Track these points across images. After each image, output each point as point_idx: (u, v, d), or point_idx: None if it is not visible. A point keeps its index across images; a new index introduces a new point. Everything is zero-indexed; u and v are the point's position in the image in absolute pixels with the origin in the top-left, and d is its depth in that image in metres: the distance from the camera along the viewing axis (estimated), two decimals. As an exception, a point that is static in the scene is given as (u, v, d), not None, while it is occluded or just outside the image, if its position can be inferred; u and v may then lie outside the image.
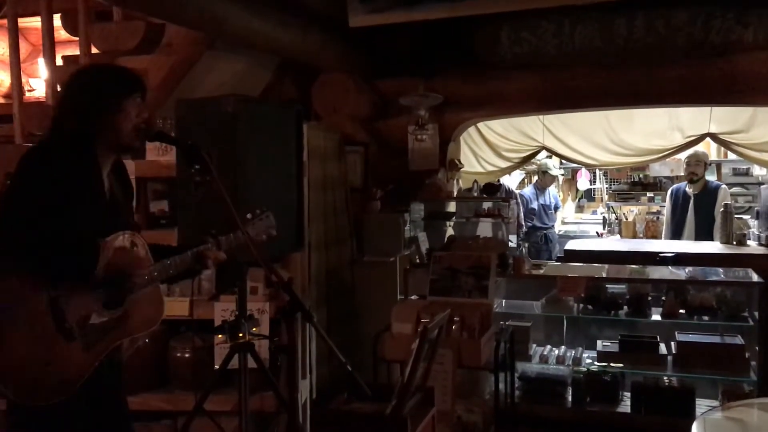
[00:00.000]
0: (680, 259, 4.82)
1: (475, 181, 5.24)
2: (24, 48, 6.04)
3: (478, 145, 6.02)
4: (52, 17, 4.37)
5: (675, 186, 6.30)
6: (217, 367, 3.47)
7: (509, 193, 6.28)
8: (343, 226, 4.89)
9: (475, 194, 5.08)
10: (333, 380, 4.31)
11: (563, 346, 4.57)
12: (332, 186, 4.77)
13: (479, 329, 3.67)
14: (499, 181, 5.81)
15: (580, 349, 4.53)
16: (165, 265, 2.32)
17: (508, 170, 6.48)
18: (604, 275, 4.43)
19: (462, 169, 5.60)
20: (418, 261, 4.73)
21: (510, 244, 4.71)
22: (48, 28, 4.29)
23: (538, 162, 7.33)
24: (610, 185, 8.75)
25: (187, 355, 3.97)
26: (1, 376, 2.05)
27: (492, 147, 6.08)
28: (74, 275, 2.12)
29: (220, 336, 2.83)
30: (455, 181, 5.45)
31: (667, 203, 6.18)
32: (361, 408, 2.62)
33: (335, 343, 2.63)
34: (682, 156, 5.96)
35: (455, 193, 5.32)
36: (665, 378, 4.21)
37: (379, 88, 5.28)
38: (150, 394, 3.94)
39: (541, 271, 4.54)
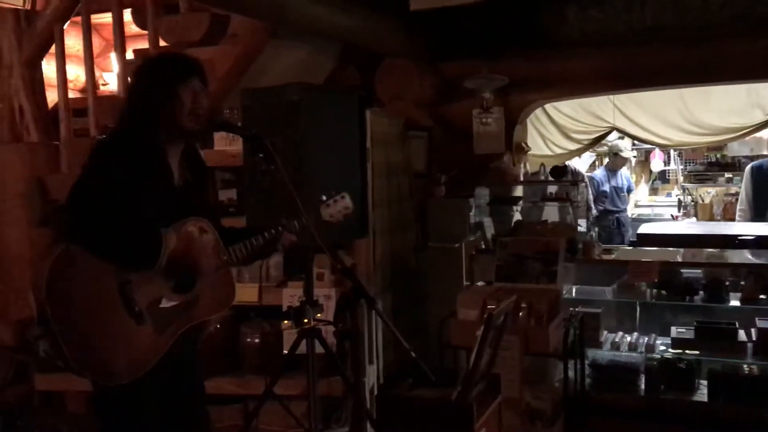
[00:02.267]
0: (762, 242, 4.60)
1: (542, 164, 5.13)
2: (97, 43, 6.23)
3: (545, 127, 5.89)
4: (123, 12, 4.50)
5: (756, 163, 6.00)
6: (285, 352, 3.52)
7: (576, 176, 6.12)
8: (407, 212, 4.87)
9: (542, 178, 4.97)
10: (400, 366, 4.31)
11: (635, 333, 4.44)
12: (396, 172, 4.75)
13: (547, 315, 3.60)
14: (565, 163, 5.67)
15: (654, 335, 4.39)
16: (238, 249, 2.38)
17: (578, 152, 6.33)
18: (678, 259, 4.27)
19: (529, 153, 5.49)
20: (483, 247, 4.67)
21: (579, 228, 4.59)
22: (118, 23, 4.42)
23: (610, 143, 7.14)
24: (686, 166, 8.44)
25: (256, 341, 4.06)
26: (77, 357, 2.13)
27: (560, 129, 5.95)
28: (138, 265, 2.19)
29: (286, 321, 2.87)
30: (522, 165, 5.34)
31: (747, 182, 5.89)
32: (427, 394, 2.60)
33: (400, 329, 2.62)
34: (764, 134, 5.68)
35: (522, 177, 5.23)
36: (745, 366, 4.03)
37: (443, 71, 5.21)
38: (221, 378, 4.04)
39: (612, 256, 4.41)
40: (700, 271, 4.24)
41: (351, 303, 2.30)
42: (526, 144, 5.38)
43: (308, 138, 3.56)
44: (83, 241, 2.14)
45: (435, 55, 5.17)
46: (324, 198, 2.65)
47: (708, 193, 7.54)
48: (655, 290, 4.25)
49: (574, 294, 4.63)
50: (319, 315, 2.60)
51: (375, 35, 4.44)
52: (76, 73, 5.83)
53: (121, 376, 2.20)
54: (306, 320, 2.52)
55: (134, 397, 2.27)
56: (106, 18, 5.14)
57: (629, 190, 7.42)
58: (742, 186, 6.12)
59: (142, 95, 2.33)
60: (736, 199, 7.01)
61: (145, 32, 4.59)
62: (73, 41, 5.37)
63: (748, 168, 6.02)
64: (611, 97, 5.67)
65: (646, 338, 4.37)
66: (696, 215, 7.10)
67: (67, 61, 4.68)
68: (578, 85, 5.08)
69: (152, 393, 2.30)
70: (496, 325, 2.53)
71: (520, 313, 3.58)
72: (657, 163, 8.63)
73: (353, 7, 4.10)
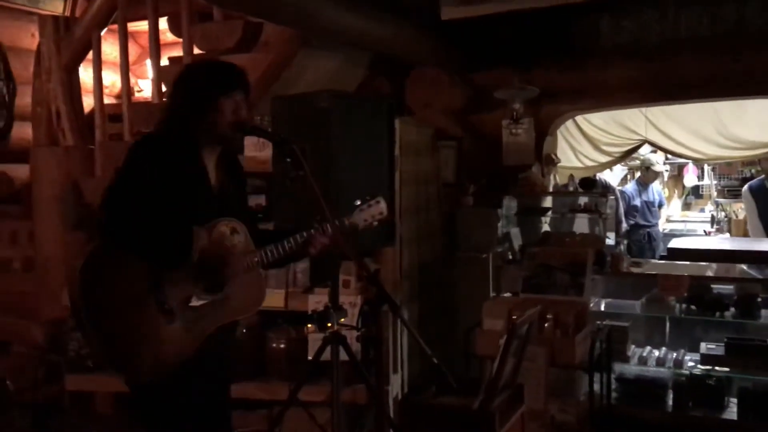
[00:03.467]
0: (796, 259, 4.51)
1: (571, 175, 5.10)
2: (134, 50, 6.36)
3: (576, 139, 5.86)
4: (158, 20, 4.58)
5: (754, 182, 5.90)
6: (310, 358, 3.53)
7: (606, 188, 6.07)
8: (435, 221, 4.87)
9: (571, 189, 4.94)
10: (426, 374, 4.31)
11: (664, 348, 4.37)
12: (425, 180, 4.76)
13: (574, 328, 3.57)
14: (595, 175, 5.63)
15: (682, 351, 4.32)
16: (269, 251, 2.39)
17: (608, 165, 6.27)
18: (709, 274, 4.20)
19: (559, 164, 5.46)
20: (510, 257, 4.65)
21: (607, 241, 4.55)
22: (154, 31, 4.50)
23: (642, 157, 7.07)
24: (719, 181, 8.31)
25: (282, 346, 4.07)
26: (106, 353, 2.19)
27: (591, 141, 5.90)
28: (169, 261, 2.22)
29: (309, 326, 2.88)
30: (551, 176, 5.32)
31: (749, 202, 5.80)
32: (450, 402, 2.60)
33: (427, 338, 2.60)
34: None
35: (551, 189, 5.20)
36: (777, 384, 3.96)
37: (475, 81, 5.22)
38: (247, 383, 4.06)
39: (641, 270, 4.35)
40: (731, 286, 4.17)
41: (374, 308, 2.29)
42: (556, 155, 5.35)
43: (337, 145, 3.58)
44: (117, 239, 2.19)
45: (466, 65, 5.17)
46: (358, 203, 2.63)
47: (742, 209, 7.40)
48: (684, 305, 4.19)
49: (603, 307, 4.59)
50: (342, 320, 2.61)
51: (406, 45, 4.46)
52: (112, 79, 5.95)
53: (147, 373, 2.23)
54: (329, 324, 2.53)
55: (167, 395, 2.30)
56: (142, 26, 5.25)
57: (660, 205, 7.33)
58: (745, 208, 6.01)
59: (184, 101, 2.36)
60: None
61: (181, 40, 4.67)
62: (111, 48, 5.49)
63: (745, 189, 5.93)
64: (643, 109, 5.61)
65: (675, 353, 4.31)
66: (729, 231, 6.98)
67: (103, 67, 4.79)
68: (611, 96, 5.04)
69: (183, 391, 2.31)
70: (519, 334, 2.52)
71: (546, 325, 3.56)
72: (690, 178, 8.50)
73: (385, 17, 4.12)
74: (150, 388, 2.27)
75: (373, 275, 2.38)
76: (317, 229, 2.44)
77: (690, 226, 7.93)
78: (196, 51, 4.51)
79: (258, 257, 2.36)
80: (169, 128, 2.38)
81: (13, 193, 5.20)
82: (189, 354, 2.26)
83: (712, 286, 4.20)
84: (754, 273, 4.25)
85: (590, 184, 4.69)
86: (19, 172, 5.07)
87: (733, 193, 7.62)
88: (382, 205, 2.62)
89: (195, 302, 2.27)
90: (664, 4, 4.51)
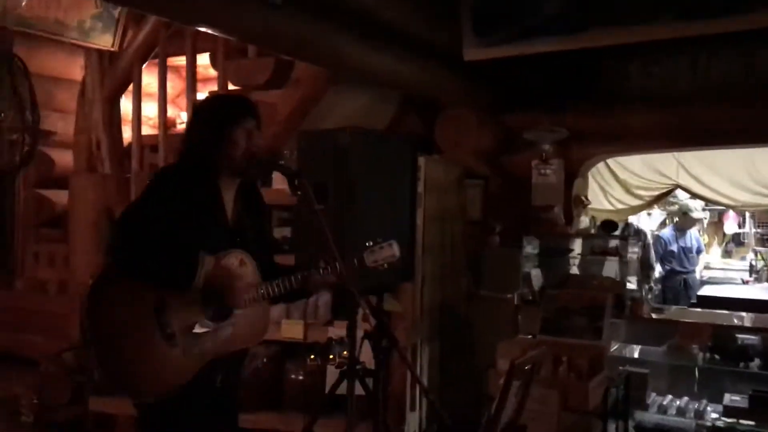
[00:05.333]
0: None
1: (592, 217, 5.07)
2: (178, 84, 6.59)
3: (607, 182, 5.82)
4: (196, 56, 4.76)
5: None
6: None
7: (637, 233, 6.00)
8: (459, 259, 4.88)
9: (592, 231, 4.91)
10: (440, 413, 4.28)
11: (686, 397, 4.26)
12: (450, 218, 4.78)
13: (589, 372, 3.52)
14: (627, 219, 5.57)
15: (705, 401, 4.20)
16: (272, 285, 2.44)
17: (639, 209, 6.19)
18: (736, 322, 4.10)
19: (590, 206, 5.42)
20: (530, 298, 4.62)
21: (628, 285, 4.47)
22: (191, 66, 4.68)
23: (680, 203, 6.97)
24: (758, 229, 8.12)
25: (300, 378, 4.12)
26: (108, 372, 2.29)
27: (622, 184, 5.85)
28: (173, 281, 2.29)
29: (312, 357, 2.92)
30: (580, 218, 5.28)
31: None
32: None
33: (447, 378, 2.59)
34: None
35: (577, 230, 5.16)
36: (804, 441, 3.82)
37: (504, 122, 5.24)
38: (266, 413, 4.11)
39: (662, 316, 4.27)
40: (756, 337, 4.05)
41: (375, 342, 2.32)
42: (586, 197, 5.32)
43: (358, 182, 3.63)
44: (122, 262, 2.29)
45: (496, 106, 5.20)
46: (370, 244, 2.67)
47: (782, 258, 7.24)
48: (707, 354, 4.09)
49: (635, 354, 4.47)
50: (345, 352, 2.64)
51: (434, 85, 4.51)
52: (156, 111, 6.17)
53: (147, 393, 2.32)
54: (331, 356, 2.56)
55: (173, 419, 2.35)
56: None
57: (698, 251, 7.19)
58: None
59: (198, 135, 2.46)
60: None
61: (223, 75, 4.83)
62: (155, 80, 5.71)
63: None
64: (675, 154, 5.56)
65: (697, 404, 4.19)
66: (768, 280, 6.82)
67: (148, 99, 4.98)
68: (639, 141, 5.00)
69: (190, 416, 2.37)
70: (520, 374, 2.52)
71: (560, 368, 3.52)
72: (731, 225, 8.33)
73: (413, 57, 4.18)
74: (156, 409, 2.34)
75: (374, 308, 2.42)
76: (323, 268, 2.48)
77: (729, 274, 7.75)
78: (231, 87, 4.67)
79: (263, 289, 2.41)
80: (187, 160, 2.47)
81: (54, 217, 5.41)
82: (187, 378, 2.31)
83: (738, 335, 4.09)
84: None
85: (611, 227, 4.65)
86: (61, 197, 5.28)
87: (773, 242, 7.46)
88: (394, 248, 2.64)
89: (198, 329, 2.33)
90: (695, 51, 4.49)
